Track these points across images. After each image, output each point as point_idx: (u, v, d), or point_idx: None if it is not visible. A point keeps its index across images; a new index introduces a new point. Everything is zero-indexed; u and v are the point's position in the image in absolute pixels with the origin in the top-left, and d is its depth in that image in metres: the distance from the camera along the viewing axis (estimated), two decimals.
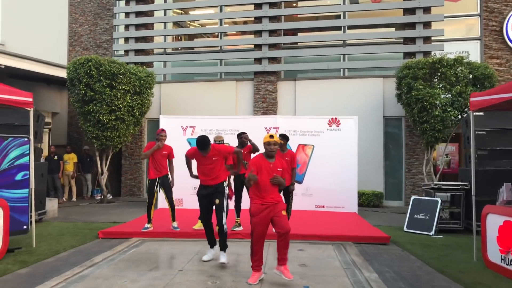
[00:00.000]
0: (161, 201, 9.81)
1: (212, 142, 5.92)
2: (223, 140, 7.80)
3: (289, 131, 10.43)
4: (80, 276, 5.14)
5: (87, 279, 5.02)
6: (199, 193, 5.89)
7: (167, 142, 7.83)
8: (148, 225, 7.75)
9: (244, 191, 7.56)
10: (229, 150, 6.00)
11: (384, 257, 6.33)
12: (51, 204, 9.89)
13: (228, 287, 4.78)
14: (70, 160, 13.46)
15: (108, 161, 12.80)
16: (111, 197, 13.56)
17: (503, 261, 5.37)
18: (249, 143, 7.58)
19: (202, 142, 5.56)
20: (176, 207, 8.00)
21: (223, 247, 5.70)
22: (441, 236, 7.89)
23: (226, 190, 5.85)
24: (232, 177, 7.66)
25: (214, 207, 5.80)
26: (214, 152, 5.71)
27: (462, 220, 8.39)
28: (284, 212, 4.91)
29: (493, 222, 5.61)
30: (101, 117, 11.70)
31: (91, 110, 11.73)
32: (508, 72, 13.24)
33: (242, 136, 7.60)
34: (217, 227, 5.68)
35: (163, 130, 7.83)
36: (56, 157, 13.03)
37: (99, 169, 12.68)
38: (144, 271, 5.37)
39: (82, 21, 16.11)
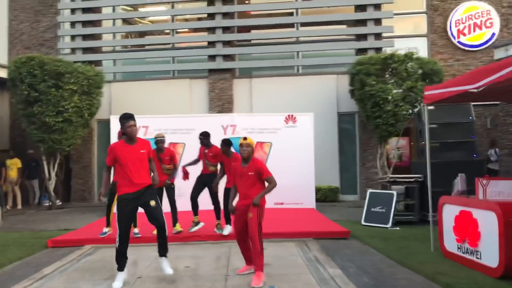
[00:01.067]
0: None
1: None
2: (164, 137, 7.34)
3: (247, 129, 10.35)
4: None
5: None
6: (123, 198, 4.83)
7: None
8: (107, 229, 7.31)
9: (205, 191, 7.34)
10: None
11: (345, 252, 6.35)
12: None
13: None
14: (14, 165, 12.62)
15: (56, 165, 12.15)
16: (60, 203, 12.86)
17: (459, 249, 5.51)
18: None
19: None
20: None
21: (164, 252, 5.00)
22: (398, 228, 8.02)
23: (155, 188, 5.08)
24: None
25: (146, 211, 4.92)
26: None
27: (417, 212, 8.61)
28: (250, 215, 4.86)
29: (450, 212, 5.75)
30: (47, 119, 11.08)
31: (36, 111, 11.08)
32: (452, 68, 13.73)
33: (201, 138, 7.32)
34: (157, 229, 4.99)
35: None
36: None
37: (47, 174, 12.00)
38: (100, 280, 5.06)
39: (23, 18, 15.16)
